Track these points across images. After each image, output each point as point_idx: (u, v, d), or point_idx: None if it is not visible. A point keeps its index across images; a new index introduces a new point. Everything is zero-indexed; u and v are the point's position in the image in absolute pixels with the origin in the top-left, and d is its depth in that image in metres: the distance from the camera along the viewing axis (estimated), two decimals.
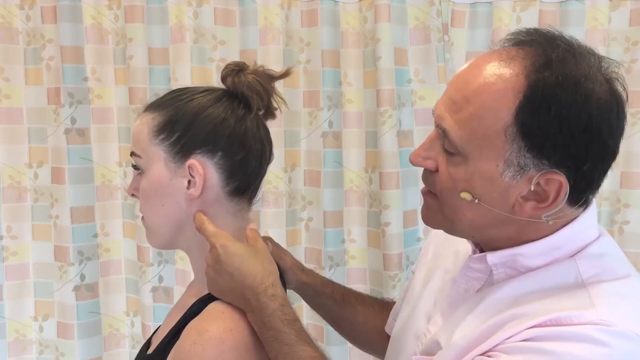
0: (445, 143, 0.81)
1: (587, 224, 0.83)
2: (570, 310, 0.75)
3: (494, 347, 0.77)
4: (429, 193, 0.87)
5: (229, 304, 0.88)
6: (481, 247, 0.89)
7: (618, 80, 0.77)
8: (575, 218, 0.82)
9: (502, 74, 0.75)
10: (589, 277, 0.79)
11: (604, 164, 0.78)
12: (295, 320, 0.87)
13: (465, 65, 0.82)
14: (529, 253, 0.82)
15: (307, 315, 1.75)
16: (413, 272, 1.11)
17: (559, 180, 0.75)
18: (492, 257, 0.84)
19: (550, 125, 0.73)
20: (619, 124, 0.77)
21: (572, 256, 0.82)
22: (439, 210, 0.85)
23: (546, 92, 0.73)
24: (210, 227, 0.89)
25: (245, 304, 0.86)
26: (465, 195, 0.80)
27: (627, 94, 0.78)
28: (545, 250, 0.82)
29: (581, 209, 0.82)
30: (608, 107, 0.75)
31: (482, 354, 0.78)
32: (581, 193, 0.78)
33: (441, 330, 0.88)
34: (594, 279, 0.79)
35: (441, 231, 1.05)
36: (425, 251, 1.08)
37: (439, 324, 0.91)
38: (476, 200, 0.79)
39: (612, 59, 0.78)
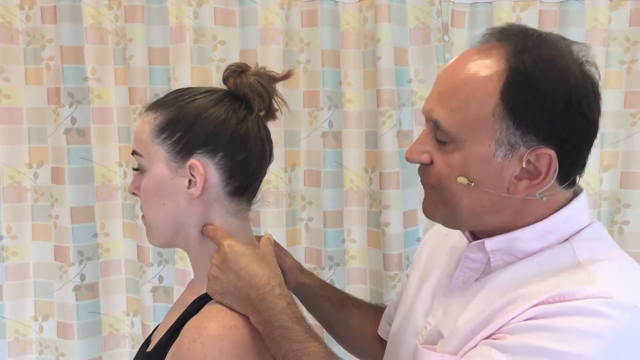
0: (438, 134, 0.85)
1: (578, 209, 0.87)
2: (571, 286, 0.78)
3: (499, 329, 0.79)
4: (429, 185, 0.90)
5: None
6: (477, 238, 0.91)
7: (589, 62, 0.82)
8: (567, 204, 0.86)
9: (484, 63, 0.81)
10: (585, 258, 0.82)
11: (587, 138, 0.83)
12: (303, 318, 0.88)
13: (448, 64, 0.89)
14: (526, 237, 0.85)
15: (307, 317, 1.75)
16: (407, 276, 1.12)
17: (548, 154, 0.80)
18: (491, 243, 0.87)
19: (533, 101, 0.78)
20: (596, 101, 0.82)
21: (567, 239, 0.85)
22: (440, 201, 0.88)
23: (527, 72, 0.79)
24: (221, 232, 0.90)
25: (249, 304, 0.86)
26: (461, 180, 0.83)
27: (599, 75, 0.83)
28: (540, 234, 0.85)
29: (570, 191, 0.87)
30: (583, 83, 0.81)
31: (487, 338, 0.80)
32: (569, 170, 0.83)
33: (442, 321, 0.90)
34: (590, 259, 0.82)
35: (434, 234, 1.10)
36: (419, 255, 1.10)
37: (438, 316, 0.92)
38: (472, 184, 0.83)
39: (581, 43, 0.83)
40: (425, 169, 0.88)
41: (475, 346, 0.80)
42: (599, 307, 0.75)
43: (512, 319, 0.78)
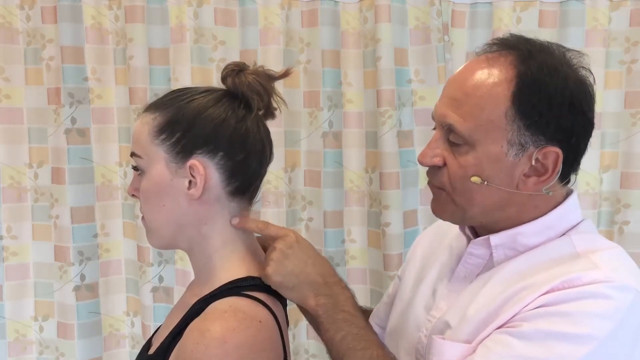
0: (452, 137, 0.89)
1: (573, 206, 0.94)
2: (577, 272, 0.83)
3: (512, 317, 0.84)
4: (438, 187, 0.94)
5: (232, 304, 0.87)
6: (478, 235, 0.95)
7: (583, 67, 0.89)
8: (562, 201, 0.92)
9: (492, 71, 0.87)
10: (584, 249, 0.88)
11: (586, 135, 0.89)
12: (364, 311, 0.98)
13: (457, 71, 0.93)
14: (528, 232, 0.91)
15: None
16: (399, 278, 1.14)
17: (555, 152, 0.86)
18: (495, 238, 0.92)
19: (541, 103, 0.84)
20: (592, 102, 0.89)
21: (565, 233, 0.91)
22: (450, 201, 0.92)
23: (534, 77, 0.85)
24: (275, 226, 0.96)
25: (313, 289, 0.93)
26: (475, 179, 0.88)
27: (593, 78, 0.90)
28: (540, 230, 0.91)
29: (565, 190, 0.93)
30: (581, 86, 0.88)
31: (501, 327, 0.84)
32: (569, 168, 0.90)
33: (448, 312, 0.93)
34: (588, 249, 0.88)
35: (427, 235, 1.13)
36: (412, 255, 1.12)
37: (442, 308, 0.95)
38: (485, 183, 0.88)
39: (574, 50, 0.90)
40: (436, 172, 0.92)
41: (488, 336, 0.85)
42: (604, 290, 0.80)
43: (524, 307, 0.83)
